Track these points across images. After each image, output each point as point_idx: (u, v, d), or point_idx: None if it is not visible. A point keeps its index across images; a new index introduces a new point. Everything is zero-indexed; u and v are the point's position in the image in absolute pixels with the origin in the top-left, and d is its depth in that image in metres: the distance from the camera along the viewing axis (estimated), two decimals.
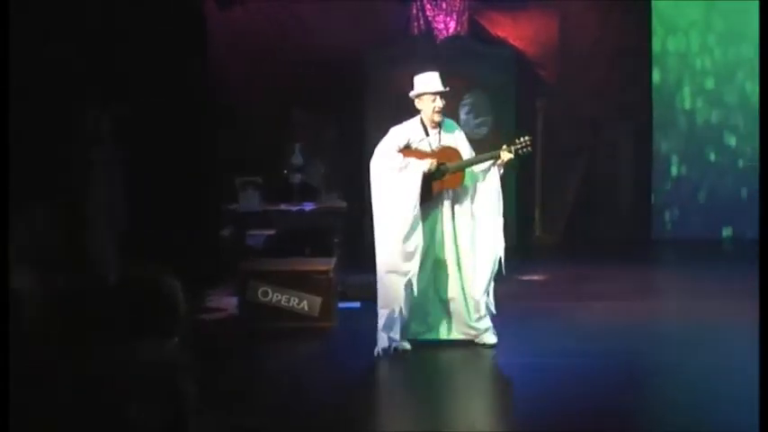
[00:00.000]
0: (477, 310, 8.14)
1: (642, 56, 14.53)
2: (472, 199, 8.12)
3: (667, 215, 14.91)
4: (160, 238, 9.73)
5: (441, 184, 8.04)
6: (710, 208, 15.01)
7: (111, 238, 9.34)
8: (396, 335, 8.04)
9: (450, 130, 8.27)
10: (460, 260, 8.11)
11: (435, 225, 8.11)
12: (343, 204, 10.98)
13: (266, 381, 7.53)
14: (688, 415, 6.66)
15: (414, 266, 7.89)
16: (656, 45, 14.75)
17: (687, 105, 15.01)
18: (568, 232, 14.31)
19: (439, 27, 14.16)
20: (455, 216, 8.11)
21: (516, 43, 14.29)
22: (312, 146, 12.20)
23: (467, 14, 14.19)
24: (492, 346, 8.19)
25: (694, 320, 9.44)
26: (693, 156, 15.02)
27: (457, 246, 8.09)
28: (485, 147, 14.21)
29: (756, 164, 15.03)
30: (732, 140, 15.07)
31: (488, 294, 8.14)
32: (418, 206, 7.89)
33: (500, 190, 8.12)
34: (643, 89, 14.64)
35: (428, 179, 7.96)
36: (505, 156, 8.04)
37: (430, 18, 14.14)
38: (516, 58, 14.28)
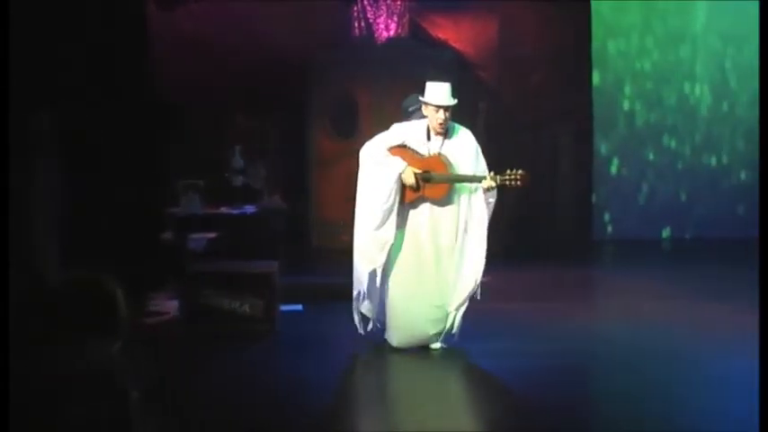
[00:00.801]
0: (445, 324, 8.18)
1: (582, 58, 14.70)
2: (457, 217, 8.09)
3: (607, 216, 15.11)
4: (101, 241, 9.70)
5: (419, 194, 8.05)
6: (650, 209, 15.24)
7: (52, 242, 9.29)
8: (368, 312, 8.31)
9: (458, 140, 8.19)
10: (440, 273, 8.12)
11: (417, 233, 8.12)
12: (285, 206, 11.01)
13: (208, 384, 7.53)
14: (634, 412, 6.74)
15: (381, 259, 8.06)
16: (596, 47, 14.94)
17: (627, 107, 15.22)
18: (510, 234, 14.42)
19: (380, 29, 14.25)
20: (438, 229, 8.10)
21: (457, 45, 14.41)
22: (253, 148, 12.22)
23: (407, 17, 14.29)
24: (436, 350, 8.26)
25: (636, 320, 9.57)
26: (633, 157, 15.24)
27: (438, 257, 8.10)
28: None
29: (697, 164, 15.34)
30: (671, 142, 15.31)
31: (461, 314, 8.18)
32: (391, 203, 7.98)
33: (484, 214, 8.10)
34: (583, 91, 14.81)
35: (410, 184, 8.02)
36: (486, 184, 7.95)
37: (371, 20, 14.23)
38: (457, 59, 14.39)
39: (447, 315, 8.15)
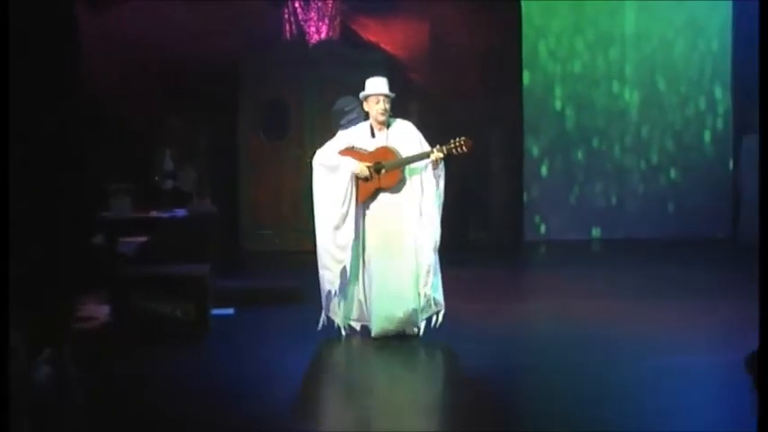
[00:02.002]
0: (426, 306, 8.62)
1: (513, 59, 14.83)
2: (413, 200, 8.56)
3: (538, 217, 15.29)
4: (29, 245, 9.64)
5: (377, 184, 8.53)
6: (581, 210, 15.44)
7: None
8: (335, 316, 8.74)
9: (400, 130, 8.72)
10: (404, 256, 8.56)
11: (381, 223, 8.61)
12: (216, 209, 11.02)
13: (140, 389, 7.54)
14: (566, 411, 6.88)
15: (346, 256, 8.52)
16: (527, 49, 15.09)
17: (557, 108, 15.40)
18: (442, 234, 14.53)
19: (311, 31, 14.31)
20: (399, 215, 8.59)
21: (388, 48, 14.50)
22: (184, 151, 12.22)
23: (338, 19, 14.36)
24: (415, 336, 8.64)
25: (566, 320, 9.72)
26: (563, 158, 15.43)
27: (401, 243, 8.55)
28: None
29: (627, 165, 15.57)
30: (601, 143, 15.52)
31: (435, 288, 8.60)
32: (348, 203, 8.47)
33: (435, 187, 8.56)
34: (514, 92, 14.95)
35: (365, 179, 8.49)
36: (434, 156, 8.47)
37: (302, 22, 14.28)
38: (388, 62, 14.46)
39: (419, 295, 8.56)
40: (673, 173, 15.70)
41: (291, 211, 14.51)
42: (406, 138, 8.67)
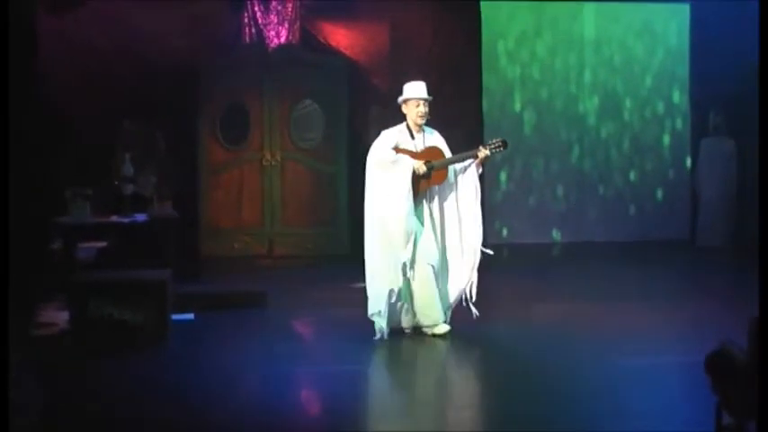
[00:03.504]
0: (451, 302, 9.08)
1: (473, 63, 14.87)
2: (456, 195, 9.07)
3: (498, 222, 15.34)
4: None
5: (428, 182, 8.93)
6: (540, 213, 15.52)
7: None
8: (382, 321, 8.89)
9: (432, 133, 9.16)
10: (447, 252, 9.02)
11: (423, 220, 8.93)
12: (176, 214, 10.98)
13: (99, 395, 7.51)
14: (528, 411, 6.92)
15: (408, 253, 8.74)
16: (487, 52, 15.14)
17: (517, 111, 15.47)
18: None
19: (270, 36, 14.28)
20: (441, 211, 9.04)
21: (348, 52, 14.51)
22: (143, 155, 12.15)
23: (298, 23, 14.33)
24: (445, 335, 8.94)
25: (528, 323, 9.79)
26: (523, 162, 15.51)
27: (444, 239, 9.01)
28: (318, 156, 14.52)
29: (587, 167, 15.66)
30: (561, 146, 15.61)
31: (472, 284, 9.02)
32: (410, 194, 8.77)
33: (478, 185, 9.08)
34: (474, 96, 14.98)
35: (417, 177, 8.83)
36: (482, 153, 8.96)
37: (262, 26, 14.25)
38: (349, 67, 14.50)
39: (460, 292, 9.05)
40: (632, 176, 15.83)
41: (252, 215, 14.50)
42: (439, 139, 9.13)
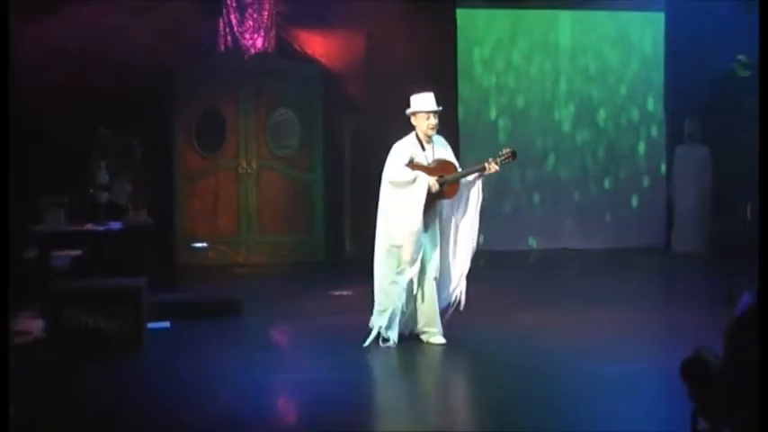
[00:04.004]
0: (447, 310, 9.08)
1: (448, 71, 14.88)
2: (458, 206, 9.07)
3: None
4: None
5: (439, 196, 8.91)
6: (517, 220, 15.54)
7: None
8: (392, 333, 8.88)
9: (442, 144, 9.12)
10: (443, 262, 9.01)
11: (429, 232, 8.91)
12: (151, 222, 10.94)
13: (74, 403, 7.47)
14: (504, 419, 6.93)
15: (415, 271, 8.78)
16: (462, 60, 15.18)
17: (492, 120, 15.50)
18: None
19: (246, 44, 14.27)
20: (444, 222, 9.03)
21: (324, 60, 14.51)
22: (118, 163, 12.11)
23: (274, 31, 14.33)
24: (441, 346, 8.89)
25: (506, 330, 9.79)
26: (500, 169, 15.50)
27: (442, 249, 9.00)
28: (294, 164, 14.50)
29: (562, 175, 15.70)
30: (536, 153, 15.64)
31: (461, 292, 9.08)
32: (422, 216, 8.75)
33: (480, 199, 9.08)
34: (449, 104, 14.99)
35: (429, 192, 8.81)
36: (492, 167, 8.93)
37: (237, 34, 14.24)
38: (324, 75, 14.51)
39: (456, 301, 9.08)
40: (607, 183, 15.88)
41: (227, 223, 14.48)
42: (447, 150, 9.12)
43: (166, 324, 9.87)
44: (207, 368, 8.38)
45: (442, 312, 9.04)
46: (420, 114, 9.00)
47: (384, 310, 8.90)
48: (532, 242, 15.65)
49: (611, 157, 15.87)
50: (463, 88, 15.21)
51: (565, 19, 15.71)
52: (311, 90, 14.52)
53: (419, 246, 8.75)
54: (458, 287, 9.04)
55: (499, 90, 15.60)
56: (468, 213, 9.04)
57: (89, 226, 10.56)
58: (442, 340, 8.93)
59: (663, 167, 15.88)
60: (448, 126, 15.06)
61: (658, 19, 15.71)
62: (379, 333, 8.90)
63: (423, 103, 9.04)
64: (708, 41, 14.99)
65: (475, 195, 9.04)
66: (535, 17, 15.61)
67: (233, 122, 14.44)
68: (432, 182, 8.81)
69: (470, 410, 7.36)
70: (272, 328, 9.98)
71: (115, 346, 8.84)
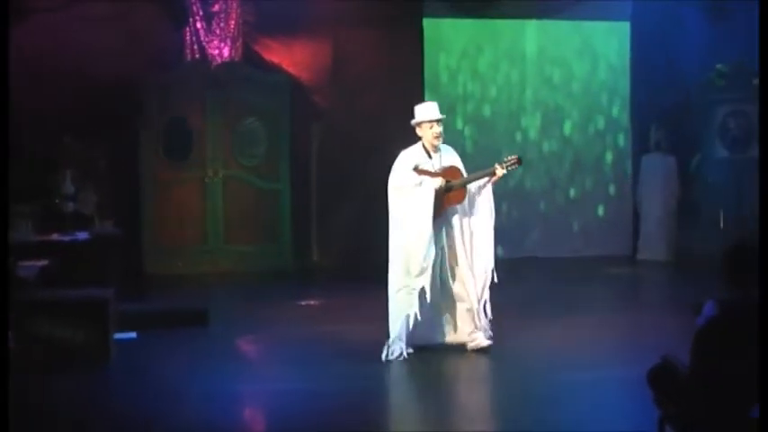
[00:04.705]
0: (473, 319, 8.93)
1: (415, 80, 14.92)
2: (470, 213, 9.02)
3: None
4: None
5: (447, 201, 8.88)
6: None
7: None
8: (401, 344, 8.82)
9: (448, 153, 9.10)
10: (460, 270, 8.93)
11: (441, 240, 8.88)
12: (118, 232, 10.91)
13: (39, 417, 7.43)
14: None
15: (426, 279, 8.70)
16: (429, 69, 15.22)
17: (459, 129, 15.53)
18: (346, 256, 14.58)
19: (213, 53, 14.27)
20: (456, 230, 8.94)
21: (290, 69, 14.53)
22: (85, 173, 12.08)
23: (241, 40, 14.35)
24: (487, 349, 8.89)
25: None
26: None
27: (456, 257, 8.91)
28: (260, 173, 14.49)
29: (529, 184, 15.76)
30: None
31: (485, 302, 8.97)
32: (431, 220, 8.69)
33: (492, 204, 9.08)
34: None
35: (437, 197, 8.77)
36: (499, 172, 8.93)
37: (204, 44, 14.24)
38: (291, 83, 14.51)
39: (474, 311, 8.93)
40: (573, 192, 15.95)
41: (195, 232, 14.43)
42: (455, 158, 9.09)
43: (133, 335, 9.83)
44: (174, 379, 8.34)
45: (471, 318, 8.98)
46: (424, 124, 9.00)
47: (396, 320, 8.83)
48: (499, 251, 15.64)
49: (577, 166, 15.95)
50: (430, 97, 15.19)
51: (531, 29, 15.79)
52: (278, 99, 14.51)
53: (430, 252, 8.69)
54: (482, 300, 8.95)
55: (466, 99, 15.65)
56: (482, 223, 9.00)
57: (55, 236, 10.53)
58: (484, 343, 8.93)
59: (629, 176, 15.96)
60: (415, 135, 15.14)
61: (624, 28, 15.82)
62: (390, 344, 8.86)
63: (426, 112, 9.05)
64: (674, 50, 15.12)
65: (487, 203, 9.02)
66: (502, 27, 15.68)
67: (200, 132, 14.41)
68: (438, 184, 8.79)
69: (441, 422, 7.37)
70: (240, 338, 9.95)
71: (81, 357, 8.79)
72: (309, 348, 9.27)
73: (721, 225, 14.50)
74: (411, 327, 8.81)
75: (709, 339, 5.01)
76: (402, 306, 8.78)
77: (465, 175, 8.98)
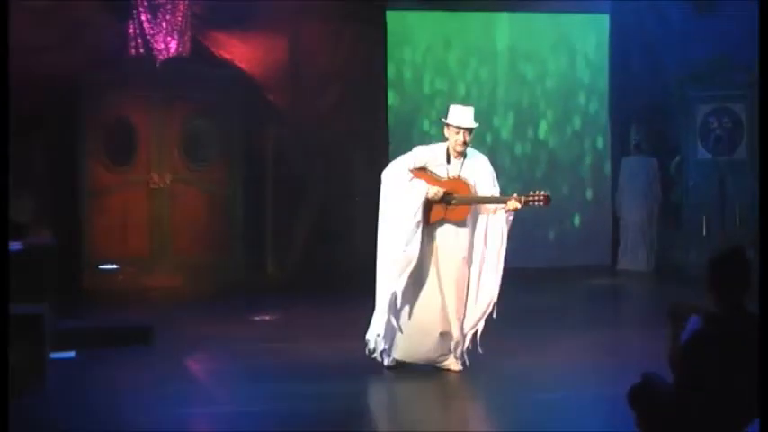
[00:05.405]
0: (457, 346, 8.84)
1: (378, 78, 14.94)
2: (476, 238, 8.85)
3: None
4: None
5: (443, 213, 8.73)
6: None
7: None
8: (383, 342, 8.83)
9: (476, 163, 8.95)
10: (456, 294, 8.79)
11: (438, 255, 8.78)
12: (55, 242, 10.82)
13: None
14: None
15: (401, 283, 8.65)
16: (392, 65, 15.23)
17: (425, 129, 15.52)
18: (304, 268, 14.55)
19: (159, 47, 14.20)
20: (458, 250, 8.77)
21: (243, 65, 14.49)
22: (19, 178, 11.98)
23: (189, 34, 14.28)
24: (456, 373, 8.81)
25: None
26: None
27: (456, 279, 8.78)
28: (211, 178, 14.43)
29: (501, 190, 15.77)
30: None
31: (476, 333, 8.87)
32: (418, 220, 8.64)
33: (505, 236, 8.90)
34: (378, 112, 15.04)
35: (432, 204, 8.69)
36: (512, 204, 8.72)
37: (149, 38, 14.16)
38: (244, 81, 14.46)
39: (454, 337, 8.83)
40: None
41: (139, 243, 14.34)
42: (479, 173, 8.90)
43: (71, 354, 9.75)
44: (116, 402, 8.28)
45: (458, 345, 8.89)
46: (452, 127, 8.88)
47: (377, 314, 8.82)
48: None
49: (552, 169, 15.96)
50: (394, 95, 15.24)
51: (502, 22, 15.81)
52: (230, 97, 14.45)
53: (408, 257, 8.60)
54: (474, 328, 8.85)
55: (432, 97, 15.64)
56: (491, 252, 8.84)
57: None
58: (454, 367, 8.85)
59: (608, 180, 16.00)
60: (377, 135, 15.20)
61: (602, 21, 15.87)
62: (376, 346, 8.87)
63: (456, 116, 8.93)
64: (656, 45, 15.17)
65: (498, 232, 8.85)
66: (471, 20, 15.68)
67: (144, 133, 14.33)
68: (434, 190, 8.67)
69: None
70: (188, 357, 9.89)
71: (14, 378, 8.71)
72: (264, 367, 9.23)
73: (704, 232, 14.54)
74: (390, 326, 8.79)
75: (695, 355, 5.00)
76: (381, 304, 8.76)
77: (480, 192, 8.80)
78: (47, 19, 13.34)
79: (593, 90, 16.05)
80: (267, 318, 11.91)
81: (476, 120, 8.96)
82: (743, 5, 13.03)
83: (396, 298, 8.70)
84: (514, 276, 14.72)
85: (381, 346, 8.84)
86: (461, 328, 8.80)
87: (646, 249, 15.27)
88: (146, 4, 14.16)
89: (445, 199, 8.71)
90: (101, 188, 14.21)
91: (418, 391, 8.64)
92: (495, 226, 8.86)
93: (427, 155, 8.91)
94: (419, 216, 8.65)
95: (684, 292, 10.71)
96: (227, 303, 13.12)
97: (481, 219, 8.86)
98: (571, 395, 8.16)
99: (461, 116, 8.94)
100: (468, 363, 8.83)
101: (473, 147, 9.06)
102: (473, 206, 8.80)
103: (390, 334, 8.83)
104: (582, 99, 16.09)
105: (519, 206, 8.74)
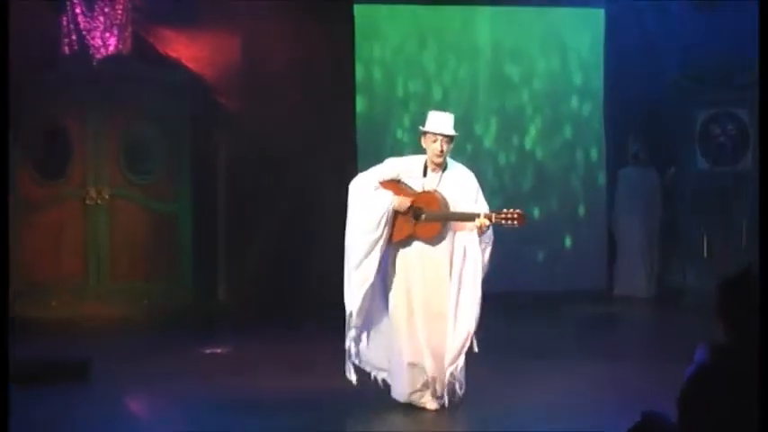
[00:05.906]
0: (434, 382, 8.75)
1: (344, 81, 14.96)
2: (454, 260, 8.76)
3: None
4: None
5: (412, 230, 8.70)
6: None
7: None
8: (354, 353, 8.93)
9: (456, 178, 8.90)
10: (426, 321, 8.73)
11: (407, 276, 8.77)
12: None
13: None
14: None
15: (355, 302, 8.73)
16: (360, 65, 15.26)
17: (398, 137, 15.55)
18: (259, 294, 14.52)
19: (96, 44, 14.18)
20: (428, 272, 8.73)
21: (191, 65, 14.48)
22: None
23: (130, 30, 14.26)
24: (433, 411, 8.75)
25: None
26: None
27: (427, 304, 8.74)
28: (155, 192, 14.38)
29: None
30: None
31: (458, 370, 8.75)
32: (378, 235, 8.68)
33: (482, 259, 8.81)
34: (346, 118, 15.03)
35: (398, 218, 8.71)
36: (479, 221, 8.56)
37: (85, 33, 14.14)
38: (192, 82, 14.45)
39: (428, 371, 8.75)
40: (536, 213, 15.95)
41: (73, 265, 14.28)
42: (460, 189, 8.84)
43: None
44: None
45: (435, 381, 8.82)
46: (429, 135, 8.89)
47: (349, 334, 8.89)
48: None
49: (540, 182, 15.99)
50: (362, 99, 15.25)
51: (484, 17, 15.84)
52: (176, 101, 14.45)
53: (368, 272, 8.67)
54: (455, 364, 8.73)
55: (406, 101, 15.66)
56: (467, 279, 8.73)
57: None
58: (431, 405, 8.80)
59: (603, 193, 16.03)
60: (344, 143, 15.17)
61: (597, 17, 15.91)
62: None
63: (433, 122, 8.95)
64: (656, 43, 15.22)
65: (471, 252, 8.75)
66: (449, 15, 15.73)
67: (79, 142, 14.30)
68: (399, 201, 8.69)
69: None
70: (129, 395, 9.86)
71: None
72: (215, 406, 9.20)
73: (704, 254, 14.58)
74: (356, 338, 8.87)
75: (701, 391, 5.00)
76: (349, 323, 8.83)
77: (456, 209, 8.72)
78: None
79: (587, 93, 16.10)
80: (218, 351, 11.89)
81: (455, 128, 8.94)
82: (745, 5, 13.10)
83: (351, 317, 8.76)
84: (498, 303, 14.78)
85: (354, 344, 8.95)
86: (438, 362, 8.71)
87: (646, 273, 15.32)
88: None
89: (415, 214, 8.69)
90: (30, 203, 14.17)
91: (397, 427, 8.67)
92: (472, 247, 8.78)
93: (401, 167, 8.95)
94: (381, 230, 8.67)
95: (688, 321, 10.73)
96: (173, 335, 13.10)
97: (459, 238, 8.77)
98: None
99: (439, 122, 8.95)
100: (446, 403, 8.76)
101: (454, 158, 9.04)
102: (445, 223, 8.72)
103: (369, 349, 8.96)
104: (574, 103, 16.14)
105: (488, 224, 8.64)
